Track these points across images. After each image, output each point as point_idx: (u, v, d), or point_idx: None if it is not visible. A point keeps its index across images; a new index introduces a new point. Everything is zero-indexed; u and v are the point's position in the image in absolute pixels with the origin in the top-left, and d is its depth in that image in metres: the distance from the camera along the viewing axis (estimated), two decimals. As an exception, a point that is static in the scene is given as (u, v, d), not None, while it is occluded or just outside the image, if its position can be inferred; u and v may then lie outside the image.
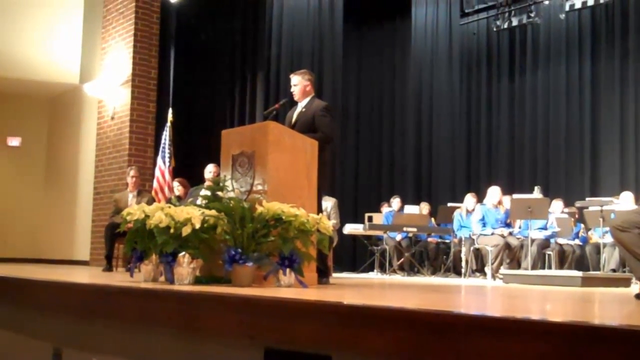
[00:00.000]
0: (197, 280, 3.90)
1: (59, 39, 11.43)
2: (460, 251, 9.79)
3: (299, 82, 5.53)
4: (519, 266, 8.94)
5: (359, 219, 11.41)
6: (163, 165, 9.49)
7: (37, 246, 12.28)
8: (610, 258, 8.89)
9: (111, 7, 10.83)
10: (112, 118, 10.45)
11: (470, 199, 10.00)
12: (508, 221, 9.38)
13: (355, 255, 12.64)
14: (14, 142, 12.66)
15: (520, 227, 9.58)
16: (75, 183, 11.64)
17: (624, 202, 8.88)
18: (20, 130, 12.66)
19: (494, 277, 8.69)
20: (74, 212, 11.53)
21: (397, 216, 10.40)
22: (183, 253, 3.81)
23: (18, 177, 12.59)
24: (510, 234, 9.22)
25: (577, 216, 9.81)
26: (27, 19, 11.27)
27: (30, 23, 11.29)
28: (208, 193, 4.28)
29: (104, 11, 11.02)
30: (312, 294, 3.25)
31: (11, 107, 12.50)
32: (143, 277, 4.13)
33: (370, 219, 10.91)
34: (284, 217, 3.83)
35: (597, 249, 9.15)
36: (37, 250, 12.20)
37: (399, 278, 9.27)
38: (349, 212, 12.13)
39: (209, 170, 7.75)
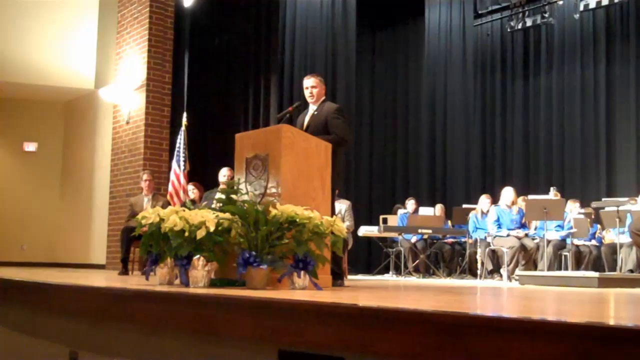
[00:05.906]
0: (212, 283, 3.91)
1: (74, 45, 11.53)
2: (475, 253, 9.74)
3: (317, 84, 5.49)
4: (535, 267, 8.88)
5: (373, 221, 11.38)
6: (178, 169, 9.52)
7: (54, 250, 12.37)
8: (627, 259, 8.82)
9: (125, 13, 10.90)
10: (127, 122, 10.52)
11: (484, 200, 9.96)
12: (523, 222, 9.32)
13: (371, 257, 12.61)
14: (30, 147, 12.77)
15: (536, 229, 9.52)
16: (91, 187, 11.71)
17: (644, 202, 8.85)
18: (37, 135, 12.76)
19: (509, 278, 8.64)
20: (90, 216, 11.60)
21: (412, 218, 10.36)
22: (198, 256, 3.83)
23: (34, 182, 12.69)
24: (526, 235, 9.16)
25: (593, 217, 9.74)
26: (42, 25, 11.37)
27: (46, 30, 11.40)
28: (222, 196, 4.29)
29: (118, 17, 11.09)
30: (326, 296, 3.24)
31: (27, 112, 12.61)
32: (158, 280, 4.15)
33: (385, 221, 10.88)
34: (297, 220, 3.83)
35: (614, 249, 9.08)
36: (54, 254, 12.28)
37: (414, 280, 9.24)
38: (364, 214, 12.10)
39: (223, 174, 7.78)
